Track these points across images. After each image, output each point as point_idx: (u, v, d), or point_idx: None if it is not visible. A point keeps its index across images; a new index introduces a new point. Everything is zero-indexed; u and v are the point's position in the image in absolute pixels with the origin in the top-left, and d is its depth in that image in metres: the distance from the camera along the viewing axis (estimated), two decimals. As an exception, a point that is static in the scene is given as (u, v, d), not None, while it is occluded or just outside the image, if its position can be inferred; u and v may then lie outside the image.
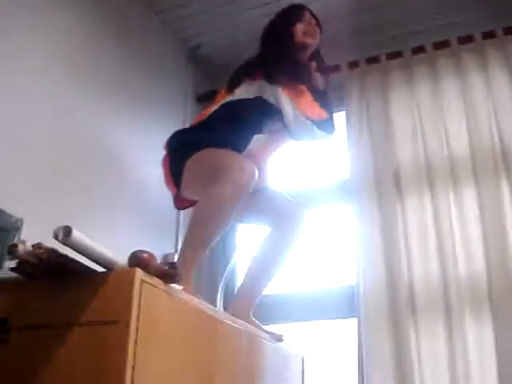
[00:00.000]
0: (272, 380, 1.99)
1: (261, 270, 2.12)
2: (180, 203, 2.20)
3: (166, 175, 2.14)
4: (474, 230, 2.45)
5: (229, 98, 2.14)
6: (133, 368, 1.22)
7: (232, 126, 2.06)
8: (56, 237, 1.21)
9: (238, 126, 2.07)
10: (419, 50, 2.81)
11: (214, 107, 2.16)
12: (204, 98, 2.92)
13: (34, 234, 1.75)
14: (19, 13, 1.99)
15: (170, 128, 2.33)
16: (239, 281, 2.54)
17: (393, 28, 2.89)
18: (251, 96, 2.11)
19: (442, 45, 2.78)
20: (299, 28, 2.26)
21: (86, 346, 1.28)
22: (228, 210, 1.83)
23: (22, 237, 1.76)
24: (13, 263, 1.36)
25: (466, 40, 2.75)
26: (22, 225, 1.77)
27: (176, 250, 2.59)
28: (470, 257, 2.43)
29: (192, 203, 2.15)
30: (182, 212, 2.57)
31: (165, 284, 1.41)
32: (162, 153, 2.15)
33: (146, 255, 1.35)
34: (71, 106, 2.21)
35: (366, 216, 2.61)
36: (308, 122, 2.10)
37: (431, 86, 2.75)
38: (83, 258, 1.29)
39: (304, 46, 2.26)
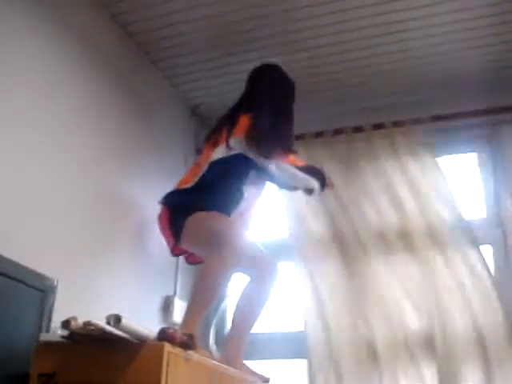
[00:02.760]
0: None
1: (243, 318, 2.48)
2: (176, 251, 2.58)
3: (163, 228, 2.53)
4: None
5: (214, 157, 2.49)
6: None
7: (221, 187, 2.43)
8: (108, 323, 1.55)
9: (226, 187, 2.45)
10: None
11: (203, 167, 2.50)
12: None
13: (68, 292, 2.11)
14: (20, 64, 2.15)
15: (173, 177, 2.67)
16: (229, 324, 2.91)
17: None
18: (233, 153, 2.47)
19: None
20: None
21: (122, 403, 1.63)
22: (228, 274, 2.23)
23: (57, 296, 2.07)
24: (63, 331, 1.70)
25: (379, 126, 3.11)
26: (57, 286, 2.09)
27: (175, 292, 2.91)
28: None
29: (186, 252, 2.58)
30: (180, 258, 2.90)
31: (184, 351, 1.75)
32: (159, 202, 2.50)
33: (171, 331, 1.70)
34: (94, 169, 2.48)
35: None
36: (290, 166, 2.54)
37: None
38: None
39: None
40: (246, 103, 2.64)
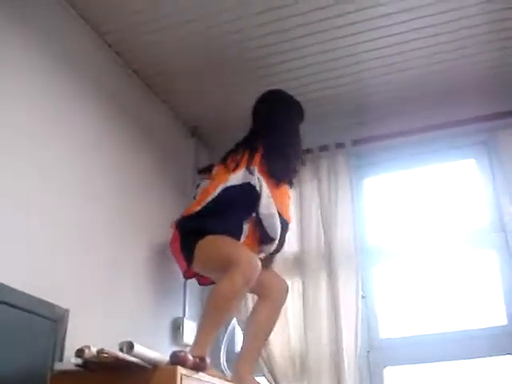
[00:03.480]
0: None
1: (255, 338, 2.51)
2: (189, 274, 2.64)
3: (176, 252, 2.57)
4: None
5: (230, 182, 2.52)
6: None
7: (233, 211, 2.46)
8: (121, 350, 1.58)
9: (237, 212, 2.47)
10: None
11: (213, 190, 2.53)
12: (204, 170, 3.27)
13: (80, 320, 2.14)
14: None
15: (177, 198, 2.68)
16: (239, 342, 2.95)
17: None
18: (241, 182, 2.50)
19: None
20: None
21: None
22: (238, 299, 2.28)
23: (69, 325, 2.10)
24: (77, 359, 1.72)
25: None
26: (68, 315, 2.11)
27: (184, 314, 2.93)
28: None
29: (197, 275, 2.63)
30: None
31: (196, 373, 1.78)
32: (171, 226, 2.57)
33: (183, 354, 1.72)
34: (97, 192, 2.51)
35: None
36: (277, 216, 2.50)
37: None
38: (137, 359, 1.66)
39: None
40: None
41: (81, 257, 2.31)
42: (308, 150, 3.07)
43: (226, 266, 2.25)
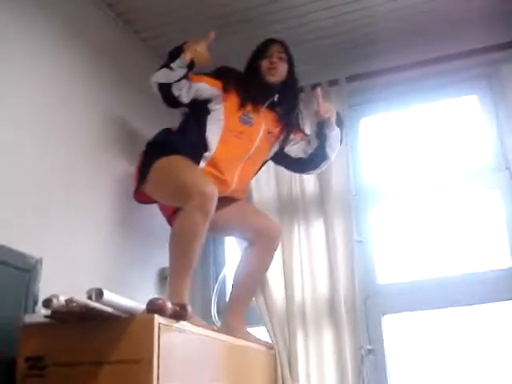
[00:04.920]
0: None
1: (244, 285, 2.38)
2: (139, 197, 2.43)
3: (135, 169, 2.41)
4: None
5: None
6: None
7: (197, 130, 2.33)
8: (90, 297, 1.43)
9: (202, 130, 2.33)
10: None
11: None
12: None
13: (53, 271, 2.00)
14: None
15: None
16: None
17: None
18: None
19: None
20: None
21: (115, 381, 1.53)
22: (201, 233, 2.10)
23: (42, 275, 1.96)
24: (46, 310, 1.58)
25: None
26: (41, 264, 1.96)
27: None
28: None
29: (150, 201, 2.43)
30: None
31: (177, 322, 1.64)
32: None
33: (161, 302, 1.58)
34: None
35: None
36: None
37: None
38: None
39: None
40: None
41: (53, 202, 2.16)
42: (301, 89, 2.87)
43: (178, 195, 2.15)
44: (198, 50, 2.22)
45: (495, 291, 2.60)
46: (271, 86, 2.46)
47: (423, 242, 2.84)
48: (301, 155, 2.54)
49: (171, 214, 2.39)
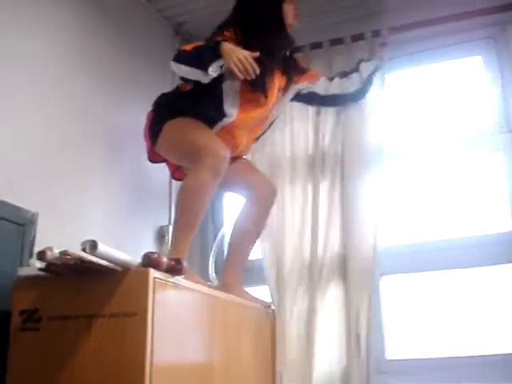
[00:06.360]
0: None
1: (241, 242, 2.37)
2: (154, 157, 2.39)
3: (145, 129, 2.35)
4: None
5: None
6: (151, 353, 1.47)
7: (212, 99, 2.22)
8: (84, 249, 1.42)
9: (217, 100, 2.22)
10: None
11: None
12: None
13: (50, 225, 1.99)
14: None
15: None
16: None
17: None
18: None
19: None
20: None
21: (108, 334, 1.53)
22: (209, 194, 2.08)
23: (38, 229, 1.94)
24: (41, 263, 1.57)
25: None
26: (37, 218, 1.95)
27: (169, 221, 2.77)
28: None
29: (164, 160, 2.40)
30: (173, 183, 2.75)
31: (172, 277, 1.63)
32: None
33: (156, 256, 1.56)
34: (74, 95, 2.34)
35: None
36: None
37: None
38: (104, 260, 1.50)
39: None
40: None
41: (52, 158, 2.14)
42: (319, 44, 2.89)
43: (191, 155, 2.11)
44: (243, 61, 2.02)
45: (495, 254, 2.58)
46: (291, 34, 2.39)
47: (423, 204, 2.82)
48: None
49: (175, 170, 2.40)
